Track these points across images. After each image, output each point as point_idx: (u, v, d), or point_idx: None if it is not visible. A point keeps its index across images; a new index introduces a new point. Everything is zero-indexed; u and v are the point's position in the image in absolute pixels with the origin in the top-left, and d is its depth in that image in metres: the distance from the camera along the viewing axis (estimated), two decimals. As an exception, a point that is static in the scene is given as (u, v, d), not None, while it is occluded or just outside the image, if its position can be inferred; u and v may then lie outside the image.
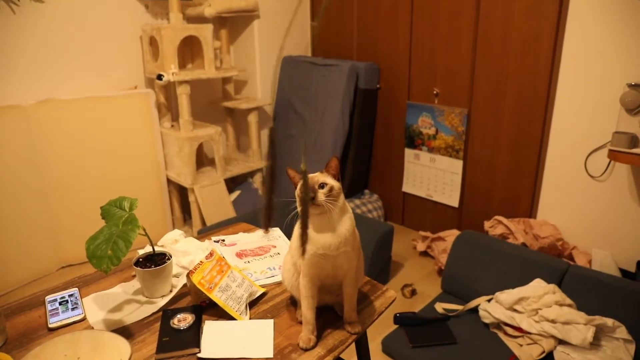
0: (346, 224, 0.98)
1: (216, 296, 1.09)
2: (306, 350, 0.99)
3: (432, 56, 3.02)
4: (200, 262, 1.14)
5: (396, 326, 2.09)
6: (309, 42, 3.81)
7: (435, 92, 3.06)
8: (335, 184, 0.97)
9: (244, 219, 2.03)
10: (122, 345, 0.92)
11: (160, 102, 3.13)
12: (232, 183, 3.47)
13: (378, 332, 2.11)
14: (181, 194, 3.31)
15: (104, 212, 1.15)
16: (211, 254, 1.18)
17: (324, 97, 3.35)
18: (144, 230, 1.13)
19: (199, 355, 0.97)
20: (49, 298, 1.18)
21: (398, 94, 3.28)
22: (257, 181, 3.49)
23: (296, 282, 1.07)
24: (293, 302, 1.15)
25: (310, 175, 0.97)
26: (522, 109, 2.68)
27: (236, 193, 3.37)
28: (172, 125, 3.19)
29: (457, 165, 3.05)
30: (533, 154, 2.68)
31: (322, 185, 0.94)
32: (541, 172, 2.66)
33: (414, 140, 3.27)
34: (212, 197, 3.11)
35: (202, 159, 3.44)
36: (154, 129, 3.09)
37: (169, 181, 3.24)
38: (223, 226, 1.66)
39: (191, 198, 3.09)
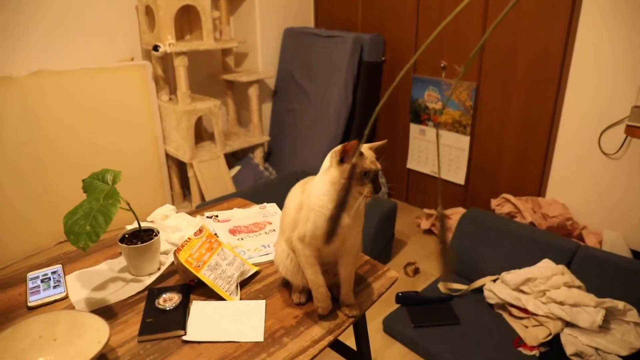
0: (361, 203, 0.94)
1: (204, 275, 1.02)
2: (324, 317, 0.97)
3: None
4: (189, 238, 1.08)
5: (398, 305, 2.05)
6: (312, 13, 3.67)
7: (442, 64, 2.94)
8: None
9: (244, 195, 1.97)
10: (100, 326, 0.86)
11: (157, 74, 3.03)
12: (233, 158, 3.40)
13: (379, 311, 2.06)
14: (180, 169, 3.24)
15: (86, 185, 1.08)
16: (200, 231, 1.11)
17: (326, 70, 3.23)
18: (128, 204, 1.07)
19: (184, 338, 0.91)
20: (30, 275, 1.12)
21: (404, 67, 3.16)
22: (257, 156, 3.41)
23: (291, 264, 1.01)
24: (287, 283, 1.08)
25: (363, 149, 0.92)
26: (534, 83, 2.56)
27: (236, 168, 3.30)
28: (170, 99, 3.10)
29: (464, 141, 2.95)
30: (543, 130, 2.57)
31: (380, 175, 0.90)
32: (552, 148, 2.56)
33: (419, 115, 3.17)
34: (212, 173, 3.04)
35: (202, 134, 3.36)
36: (151, 102, 3.00)
37: (168, 156, 3.16)
38: (221, 202, 1.59)
39: (190, 173, 3.02)
